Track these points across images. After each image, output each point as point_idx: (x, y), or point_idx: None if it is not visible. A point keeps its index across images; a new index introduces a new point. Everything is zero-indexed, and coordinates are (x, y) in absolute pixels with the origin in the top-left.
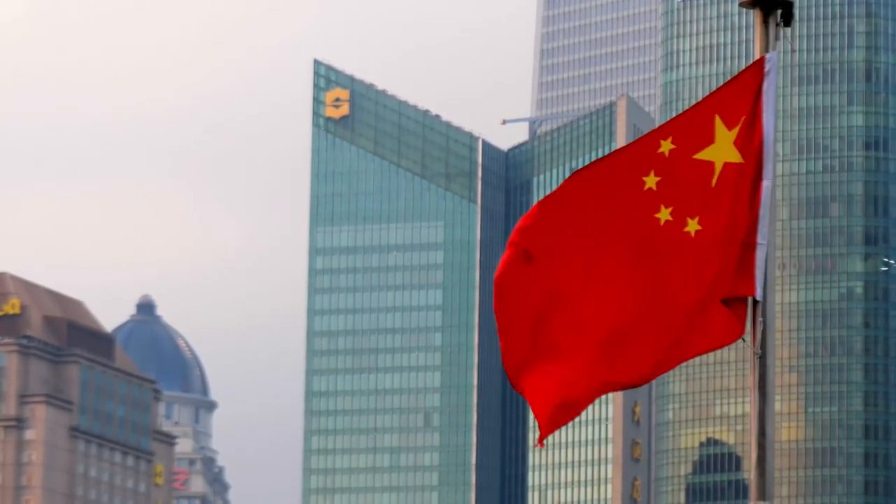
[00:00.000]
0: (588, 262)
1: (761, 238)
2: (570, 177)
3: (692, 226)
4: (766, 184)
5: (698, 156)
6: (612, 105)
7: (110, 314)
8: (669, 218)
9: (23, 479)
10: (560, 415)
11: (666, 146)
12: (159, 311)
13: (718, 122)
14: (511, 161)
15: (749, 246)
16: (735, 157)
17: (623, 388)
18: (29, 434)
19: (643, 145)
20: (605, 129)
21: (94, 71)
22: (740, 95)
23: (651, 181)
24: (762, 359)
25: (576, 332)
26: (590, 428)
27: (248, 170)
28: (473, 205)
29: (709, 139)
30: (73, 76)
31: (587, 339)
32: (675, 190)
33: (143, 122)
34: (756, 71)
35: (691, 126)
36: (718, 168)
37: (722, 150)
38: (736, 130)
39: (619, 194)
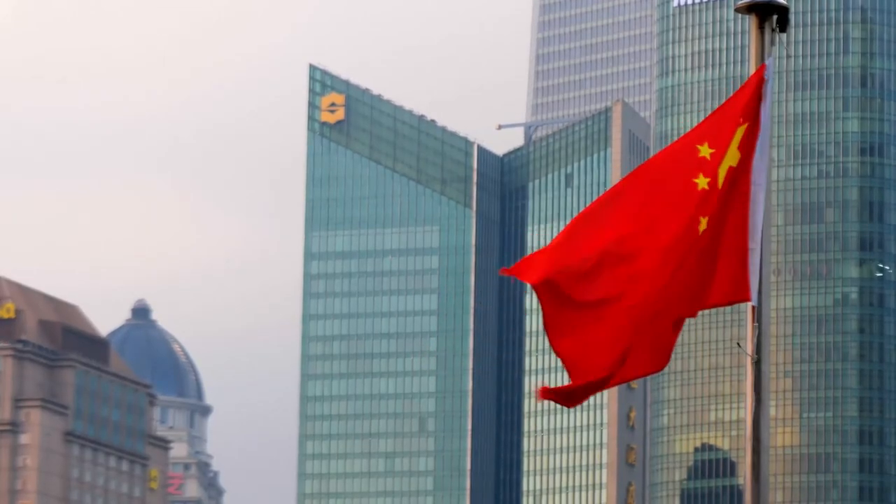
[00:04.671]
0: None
1: (753, 243)
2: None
3: (703, 224)
4: (755, 188)
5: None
6: (607, 110)
7: (105, 318)
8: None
9: (17, 483)
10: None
11: (705, 150)
12: (154, 316)
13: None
14: (506, 166)
15: (744, 251)
16: (736, 159)
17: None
18: (24, 438)
19: (682, 149)
20: (601, 135)
21: (88, 72)
22: (747, 102)
23: (703, 182)
24: (757, 364)
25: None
26: (585, 433)
27: (244, 174)
28: (469, 209)
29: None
30: (67, 77)
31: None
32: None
33: (138, 125)
34: (758, 79)
35: (720, 132)
36: (724, 171)
37: (729, 154)
38: (740, 134)
39: (670, 193)
